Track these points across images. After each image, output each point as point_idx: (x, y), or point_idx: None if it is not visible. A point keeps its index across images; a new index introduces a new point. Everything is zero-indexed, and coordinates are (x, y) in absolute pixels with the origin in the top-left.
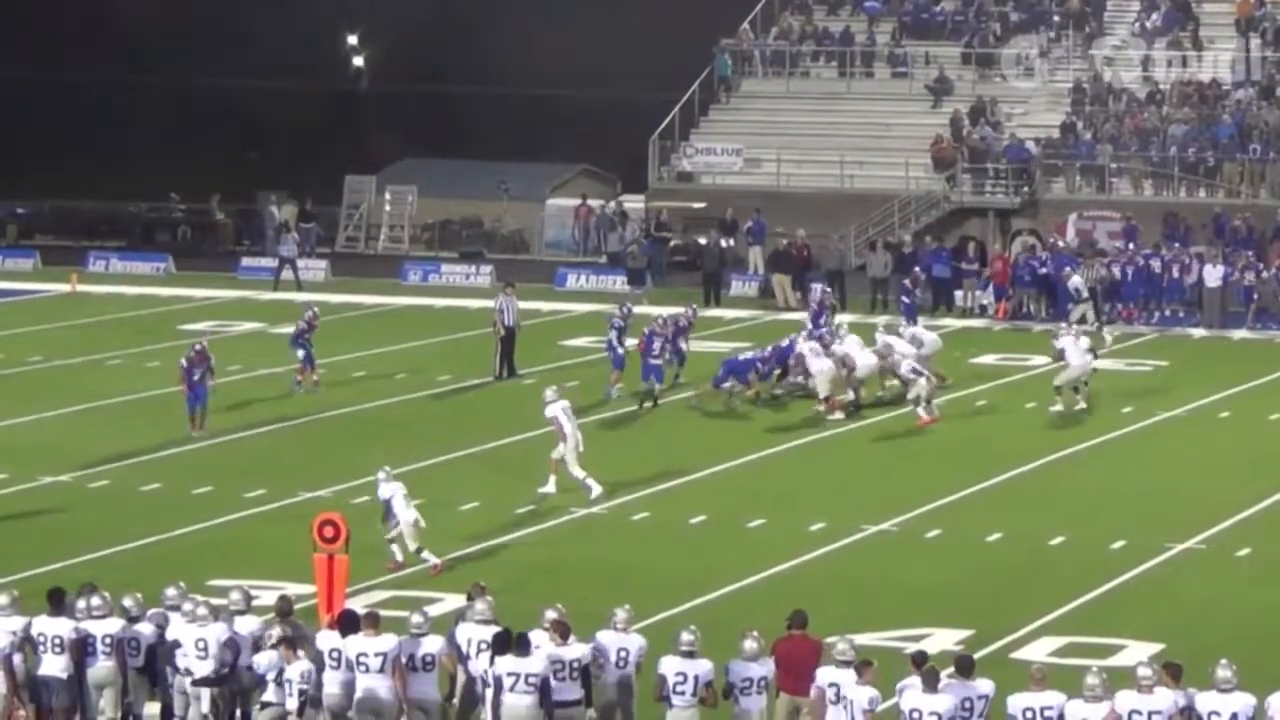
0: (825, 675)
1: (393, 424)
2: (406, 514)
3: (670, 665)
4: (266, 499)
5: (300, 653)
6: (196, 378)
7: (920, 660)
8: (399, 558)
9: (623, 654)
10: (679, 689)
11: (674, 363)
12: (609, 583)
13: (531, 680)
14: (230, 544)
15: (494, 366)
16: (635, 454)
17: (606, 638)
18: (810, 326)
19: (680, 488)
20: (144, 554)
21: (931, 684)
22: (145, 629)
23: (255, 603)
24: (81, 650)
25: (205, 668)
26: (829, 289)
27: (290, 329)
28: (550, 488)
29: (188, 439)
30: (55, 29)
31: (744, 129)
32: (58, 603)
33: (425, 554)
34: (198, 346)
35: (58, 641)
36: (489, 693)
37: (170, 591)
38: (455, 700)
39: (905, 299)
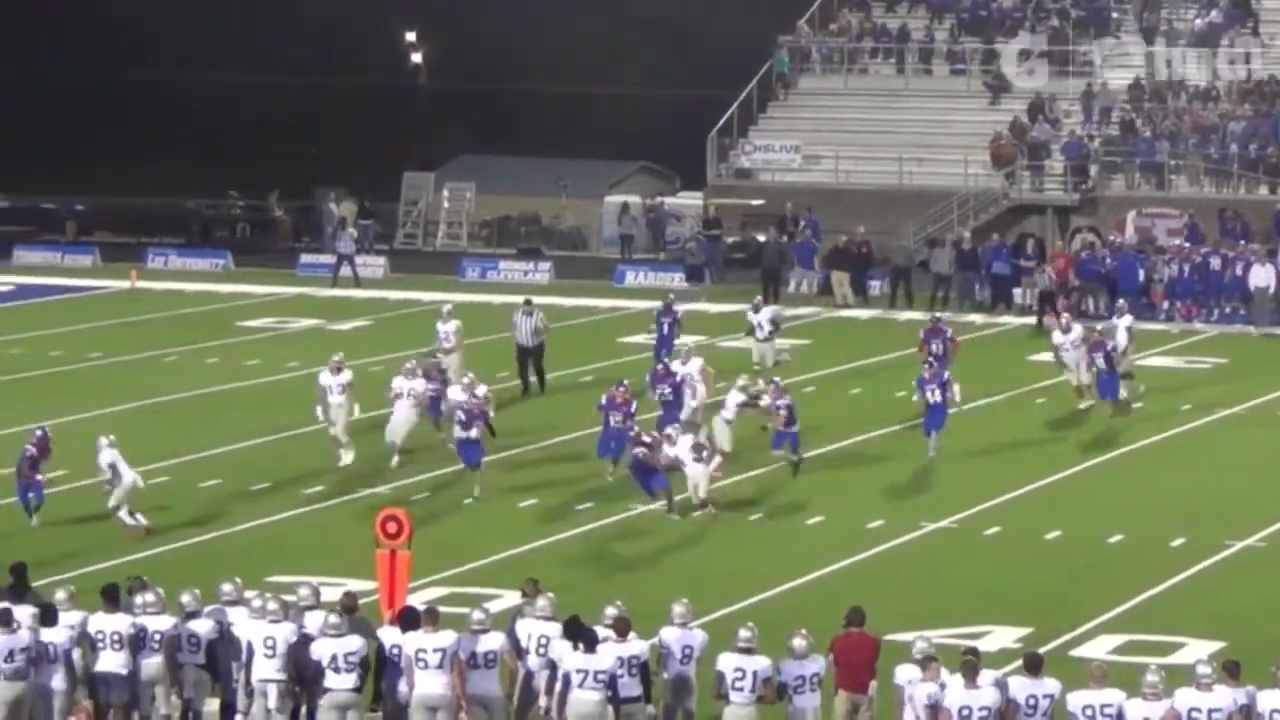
0: (904, 673)
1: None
2: (128, 476)
3: (728, 662)
4: (325, 495)
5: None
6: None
7: (967, 653)
8: (141, 520)
9: (687, 650)
10: (737, 685)
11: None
12: (666, 580)
13: (600, 677)
14: (289, 540)
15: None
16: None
17: (670, 634)
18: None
19: (739, 485)
20: (204, 550)
21: (971, 677)
22: (204, 625)
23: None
24: (139, 646)
25: (272, 665)
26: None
27: (348, 325)
28: None
29: (246, 435)
30: (116, 28)
31: (802, 126)
32: (113, 599)
33: (123, 514)
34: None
35: (116, 637)
36: (557, 687)
37: (226, 587)
38: (514, 696)
39: (663, 324)
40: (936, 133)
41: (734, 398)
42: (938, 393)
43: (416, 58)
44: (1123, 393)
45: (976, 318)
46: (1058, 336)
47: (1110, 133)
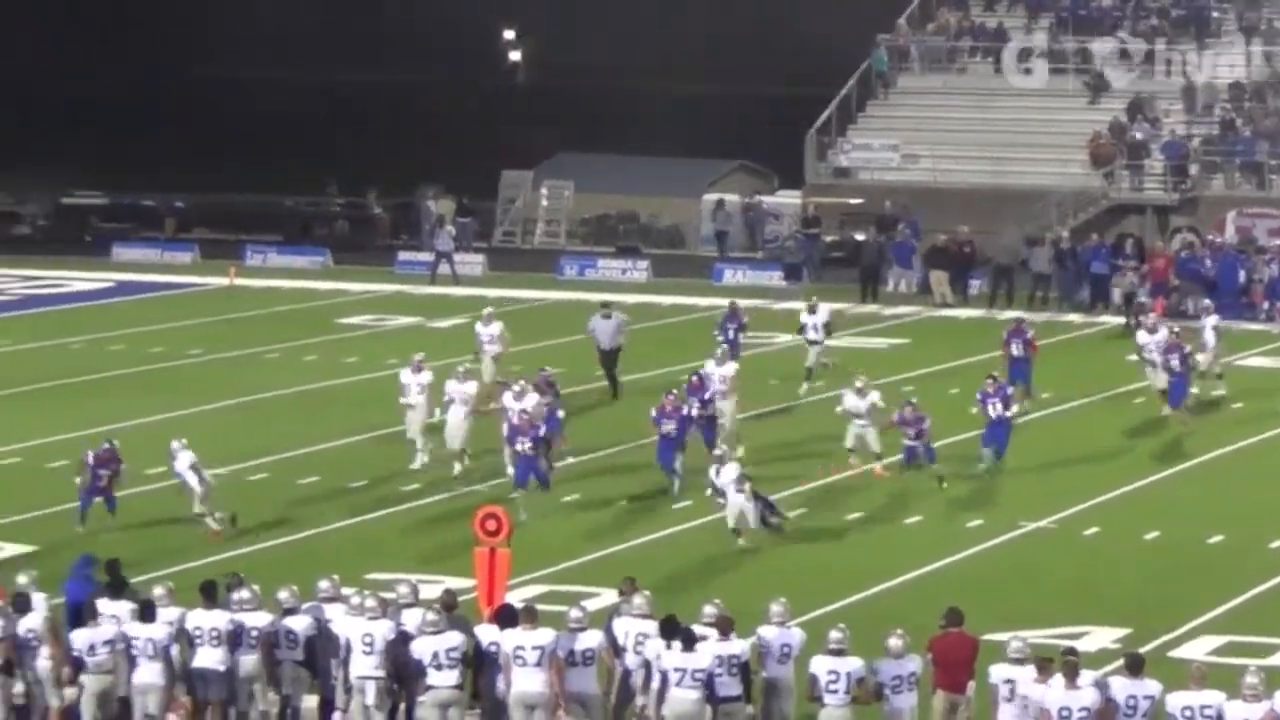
0: (999, 672)
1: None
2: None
3: (821, 664)
4: (422, 493)
5: None
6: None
7: (1067, 654)
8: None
9: (785, 649)
10: (831, 688)
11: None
12: (763, 579)
13: (698, 675)
14: (386, 538)
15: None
16: (791, 450)
17: (769, 633)
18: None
19: (836, 485)
20: (301, 547)
21: (1071, 677)
22: (302, 622)
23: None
24: (236, 642)
25: (370, 663)
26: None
27: (446, 323)
28: None
29: (344, 433)
30: (211, 28)
31: (901, 125)
32: (210, 595)
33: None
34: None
35: (215, 634)
36: (654, 685)
37: (323, 584)
38: (611, 694)
39: (728, 329)
40: (1035, 132)
41: (851, 402)
42: (999, 406)
43: (515, 55)
44: (1218, 390)
45: (1075, 317)
46: (1143, 336)
47: (1210, 132)
